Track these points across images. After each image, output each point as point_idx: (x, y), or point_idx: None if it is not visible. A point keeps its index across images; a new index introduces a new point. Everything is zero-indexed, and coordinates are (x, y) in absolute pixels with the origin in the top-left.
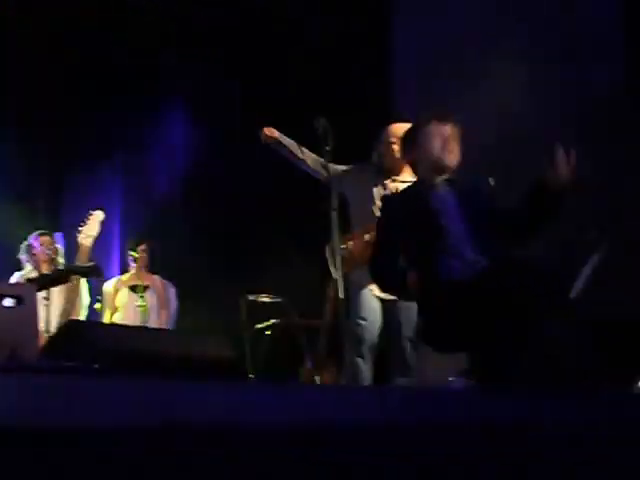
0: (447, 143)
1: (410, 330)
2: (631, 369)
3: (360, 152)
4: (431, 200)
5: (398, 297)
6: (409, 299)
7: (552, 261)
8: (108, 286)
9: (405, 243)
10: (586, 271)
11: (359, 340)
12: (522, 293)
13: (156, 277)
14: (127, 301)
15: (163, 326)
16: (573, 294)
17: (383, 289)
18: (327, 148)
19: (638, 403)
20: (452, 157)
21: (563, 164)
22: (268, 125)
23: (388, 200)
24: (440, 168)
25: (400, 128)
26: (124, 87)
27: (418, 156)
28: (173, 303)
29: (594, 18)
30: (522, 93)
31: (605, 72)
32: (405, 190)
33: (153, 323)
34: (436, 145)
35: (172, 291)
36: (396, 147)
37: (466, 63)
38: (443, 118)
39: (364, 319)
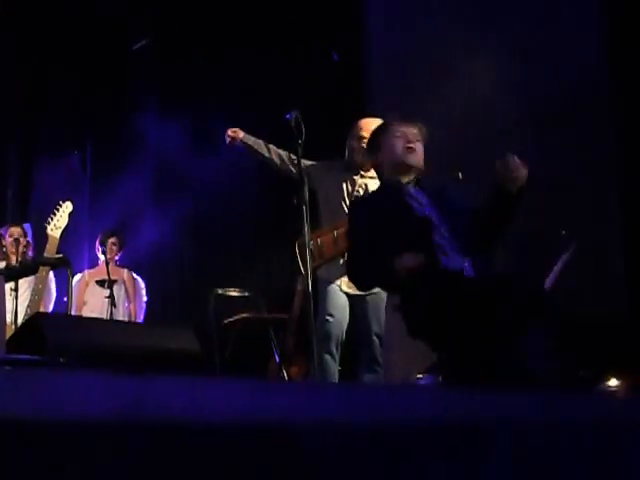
0: (410, 143)
1: (379, 326)
2: (600, 368)
3: (331, 148)
4: (404, 198)
5: (386, 291)
6: (395, 291)
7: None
8: (77, 279)
9: (383, 243)
10: (556, 269)
11: (327, 336)
12: (503, 303)
13: (125, 270)
14: (95, 295)
15: (131, 320)
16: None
17: (364, 288)
18: (299, 141)
19: (604, 403)
20: (416, 157)
21: (515, 167)
22: (234, 125)
23: (357, 205)
24: (404, 168)
25: (370, 123)
26: (95, 79)
27: (382, 158)
28: (142, 297)
29: (566, 17)
30: (492, 91)
31: (574, 71)
32: (373, 193)
33: (121, 317)
34: (399, 145)
35: (142, 285)
36: (352, 146)
37: (437, 61)
38: (406, 119)
39: (332, 315)
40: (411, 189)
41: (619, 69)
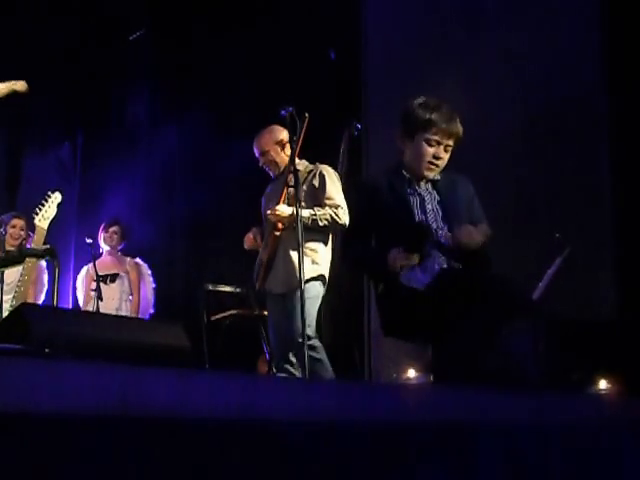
0: (437, 158)
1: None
2: (590, 371)
3: (326, 145)
4: (408, 194)
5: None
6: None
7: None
8: (83, 274)
9: (377, 231)
10: (550, 273)
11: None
12: (490, 301)
13: (128, 259)
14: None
15: (134, 312)
16: (537, 295)
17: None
18: (294, 138)
19: (592, 404)
20: (433, 172)
21: (467, 238)
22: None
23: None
24: (418, 175)
25: (269, 135)
26: (88, 70)
27: (407, 148)
28: (150, 283)
29: (563, 32)
30: (489, 100)
31: (569, 85)
32: (384, 175)
33: (125, 309)
34: (427, 155)
35: (148, 271)
36: (274, 152)
37: (435, 62)
38: (450, 119)
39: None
40: (421, 188)
41: (613, 82)
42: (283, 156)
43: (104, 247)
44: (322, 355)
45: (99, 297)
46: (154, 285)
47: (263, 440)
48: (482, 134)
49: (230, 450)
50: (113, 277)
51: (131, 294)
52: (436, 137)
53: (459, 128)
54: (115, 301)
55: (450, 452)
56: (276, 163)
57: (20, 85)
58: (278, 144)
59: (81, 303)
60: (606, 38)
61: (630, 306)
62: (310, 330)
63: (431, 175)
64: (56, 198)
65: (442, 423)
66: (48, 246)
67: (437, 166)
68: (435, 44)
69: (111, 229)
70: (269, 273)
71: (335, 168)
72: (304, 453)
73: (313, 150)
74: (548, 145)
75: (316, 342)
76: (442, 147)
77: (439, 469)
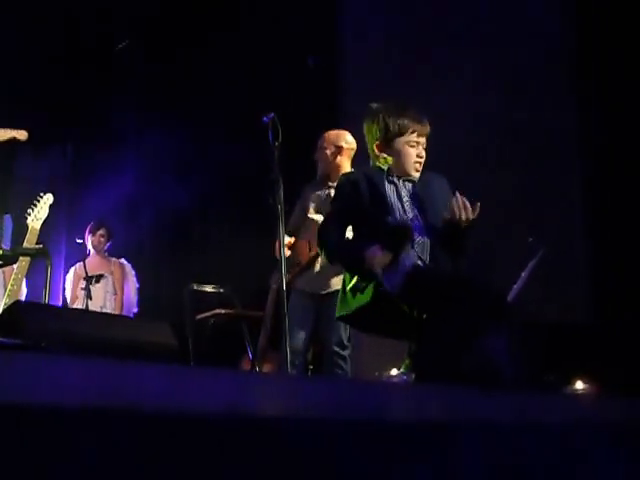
0: (420, 157)
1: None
2: (565, 371)
3: (307, 149)
4: (386, 190)
5: (348, 270)
6: (355, 272)
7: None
8: (71, 275)
9: (355, 222)
10: (524, 275)
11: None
12: (465, 302)
13: (114, 260)
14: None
15: (118, 309)
16: (511, 297)
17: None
18: (276, 143)
19: (570, 405)
20: (419, 171)
21: (460, 208)
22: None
23: (349, 177)
24: (405, 175)
25: (335, 135)
26: (77, 72)
27: (389, 154)
28: (134, 283)
29: (535, 49)
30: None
31: (542, 102)
32: (367, 172)
33: (109, 308)
34: (411, 156)
35: (132, 271)
36: (329, 153)
37: (413, 69)
38: (420, 118)
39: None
40: (399, 184)
41: (584, 93)
42: (323, 165)
43: (91, 249)
44: (348, 368)
45: (88, 296)
46: (137, 285)
47: (255, 437)
48: (459, 141)
49: (223, 447)
50: (98, 277)
51: (115, 293)
52: (415, 138)
53: (428, 124)
54: (100, 300)
55: (431, 451)
56: (323, 166)
57: (21, 134)
58: (320, 150)
59: (69, 301)
60: (579, 49)
61: (604, 308)
62: (346, 339)
63: (417, 175)
64: (48, 199)
65: (427, 422)
66: (41, 246)
67: (421, 165)
68: (414, 50)
69: (98, 232)
70: (303, 273)
71: (315, 175)
72: (291, 447)
73: (291, 156)
74: (523, 153)
75: (348, 354)
76: (421, 146)
77: (419, 468)
